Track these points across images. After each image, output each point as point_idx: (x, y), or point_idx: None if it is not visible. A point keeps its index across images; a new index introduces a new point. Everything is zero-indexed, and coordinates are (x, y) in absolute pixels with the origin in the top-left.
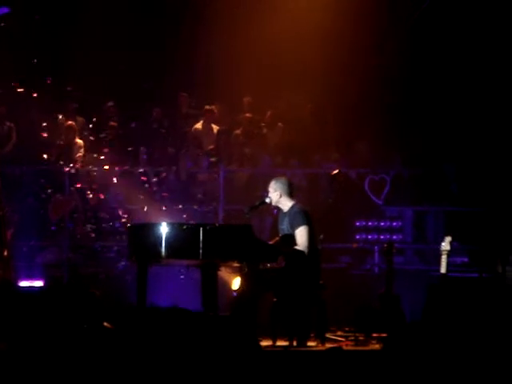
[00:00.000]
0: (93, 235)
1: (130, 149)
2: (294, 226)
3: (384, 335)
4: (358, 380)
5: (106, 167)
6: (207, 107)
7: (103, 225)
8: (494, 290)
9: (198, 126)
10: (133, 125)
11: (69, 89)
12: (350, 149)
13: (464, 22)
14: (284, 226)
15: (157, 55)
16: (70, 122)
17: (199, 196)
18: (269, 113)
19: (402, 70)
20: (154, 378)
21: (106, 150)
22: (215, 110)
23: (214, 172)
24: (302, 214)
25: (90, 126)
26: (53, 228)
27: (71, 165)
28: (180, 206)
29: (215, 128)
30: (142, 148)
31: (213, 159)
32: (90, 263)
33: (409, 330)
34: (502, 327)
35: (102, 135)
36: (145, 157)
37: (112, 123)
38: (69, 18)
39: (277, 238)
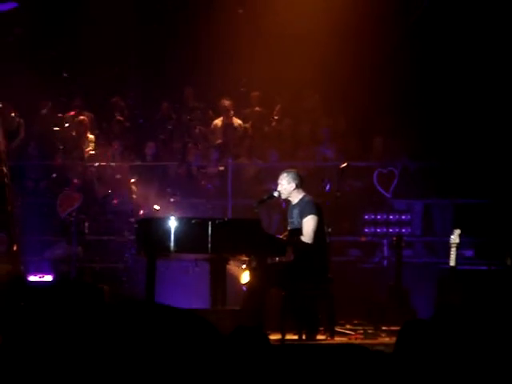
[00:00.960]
0: (101, 230)
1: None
2: (303, 216)
3: (393, 328)
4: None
5: (115, 163)
6: (226, 103)
7: (112, 219)
8: (504, 282)
9: (218, 121)
10: (140, 121)
11: (65, 75)
12: (363, 143)
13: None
14: (293, 219)
15: (164, 50)
16: (81, 117)
17: (208, 190)
18: (278, 107)
19: (411, 64)
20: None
21: (115, 145)
22: (230, 104)
23: (222, 166)
24: (312, 205)
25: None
26: (61, 223)
27: (81, 159)
28: (189, 200)
29: (236, 122)
30: (149, 143)
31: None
32: (98, 258)
33: (422, 324)
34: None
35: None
36: (152, 150)
37: (118, 117)
38: (74, 14)
39: (285, 232)
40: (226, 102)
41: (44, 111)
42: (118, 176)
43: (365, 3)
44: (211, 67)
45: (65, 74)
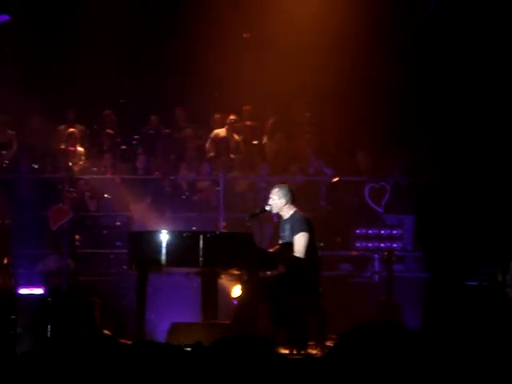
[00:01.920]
0: (92, 243)
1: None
2: (294, 232)
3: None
4: None
5: (106, 175)
6: (231, 117)
7: (103, 232)
8: (494, 298)
9: (221, 132)
10: (134, 142)
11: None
12: (351, 158)
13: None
14: (285, 233)
15: (154, 65)
16: (71, 130)
17: (199, 204)
18: (271, 121)
19: (401, 79)
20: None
21: (105, 158)
22: (235, 119)
23: (214, 180)
24: (303, 221)
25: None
26: (52, 236)
27: (71, 173)
28: (180, 214)
29: (236, 137)
30: (140, 156)
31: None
32: (89, 271)
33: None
34: (502, 336)
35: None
36: (144, 164)
37: (109, 131)
38: (66, 28)
39: (277, 246)
40: (232, 117)
41: (35, 124)
42: (109, 188)
43: (354, 21)
44: (203, 83)
45: None
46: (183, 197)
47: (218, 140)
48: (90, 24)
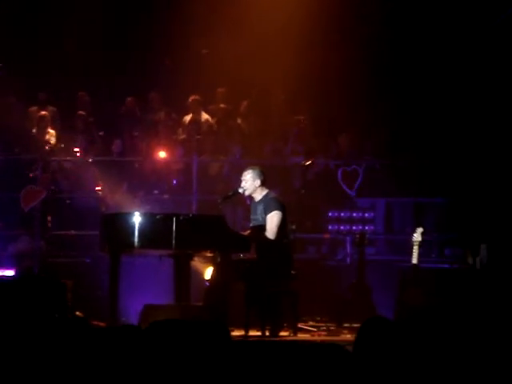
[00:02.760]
0: (64, 225)
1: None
2: (267, 211)
3: (356, 325)
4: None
5: (78, 155)
6: (193, 97)
7: (75, 214)
8: (466, 281)
9: (187, 118)
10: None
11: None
12: (330, 141)
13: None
14: (257, 216)
15: (130, 46)
16: (43, 112)
17: (172, 186)
18: (245, 103)
19: (378, 61)
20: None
21: (78, 140)
22: (197, 100)
23: (187, 162)
24: (277, 201)
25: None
26: (24, 217)
27: (43, 154)
28: (153, 196)
29: (204, 117)
30: (116, 141)
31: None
32: (61, 253)
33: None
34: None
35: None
36: (119, 147)
37: (80, 112)
38: (41, 8)
39: (249, 229)
40: (193, 97)
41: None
42: (82, 170)
43: (331, 2)
44: (178, 66)
45: None
46: (155, 178)
47: (189, 123)
48: (65, 4)
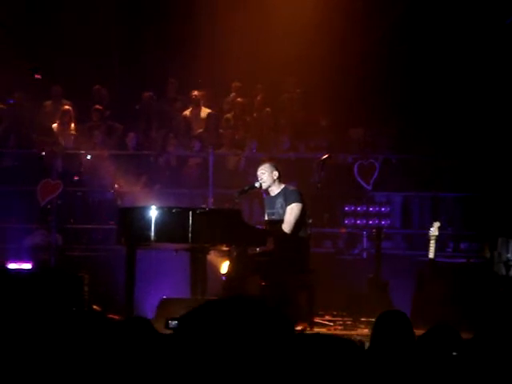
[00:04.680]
0: (80, 218)
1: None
2: (287, 203)
3: (372, 319)
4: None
5: (96, 151)
6: (195, 93)
7: (92, 207)
8: (482, 275)
9: (187, 112)
10: (137, 107)
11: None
12: (344, 135)
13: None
14: (275, 209)
15: (146, 41)
16: (66, 107)
17: (189, 180)
18: (259, 97)
19: (395, 56)
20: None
21: (95, 134)
22: (200, 95)
23: (204, 156)
24: (298, 193)
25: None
26: (41, 210)
27: (61, 148)
28: (170, 190)
29: (205, 112)
30: (130, 133)
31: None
32: (78, 246)
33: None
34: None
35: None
36: (134, 141)
37: (97, 106)
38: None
39: (265, 223)
40: (195, 92)
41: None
42: (99, 164)
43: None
44: (193, 58)
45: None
46: (173, 173)
47: (186, 120)
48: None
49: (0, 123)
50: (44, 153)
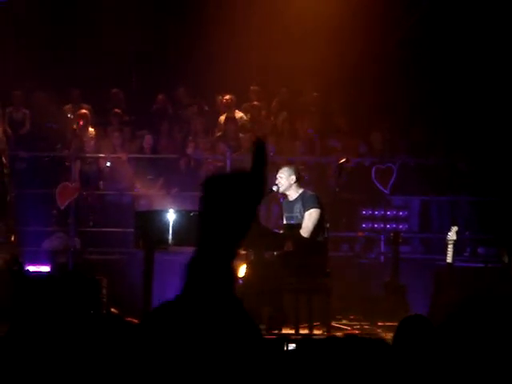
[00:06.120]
0: (99, 221)
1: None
2: (306, 208)
3: (389, 324)
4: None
5: (115, 155)
6: (226, 97)
7: (110, 211)
8: (500, 280)
9: (222, 118)
10: (153, 108)
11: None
12: (364, 139)
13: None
14: (294, 213)
15: (161, 45)
16: (83, 111)
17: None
18: (274, 101)
19: (413, 61)
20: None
21: (114, 137)
22: (230, 99)
23: (221, 159)
24: (316, 198)
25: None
26: (59, 214)
27: (79, 152)
28: (188, 193)
29: (238, 115)
30: (147, 136)
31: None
32: (95, 250)
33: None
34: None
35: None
36: (150, 144)
37: (116, 110)
38: (74, 4)
39: (282, 228)
40: (226, 97)
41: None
42: (118, 167)
43: (365, 2)
44: (210, 62)
45: None
46: (190, 175)
47: (225, 121)
48: (97, 2)
49: (22, 127)
50: (64, 156)
